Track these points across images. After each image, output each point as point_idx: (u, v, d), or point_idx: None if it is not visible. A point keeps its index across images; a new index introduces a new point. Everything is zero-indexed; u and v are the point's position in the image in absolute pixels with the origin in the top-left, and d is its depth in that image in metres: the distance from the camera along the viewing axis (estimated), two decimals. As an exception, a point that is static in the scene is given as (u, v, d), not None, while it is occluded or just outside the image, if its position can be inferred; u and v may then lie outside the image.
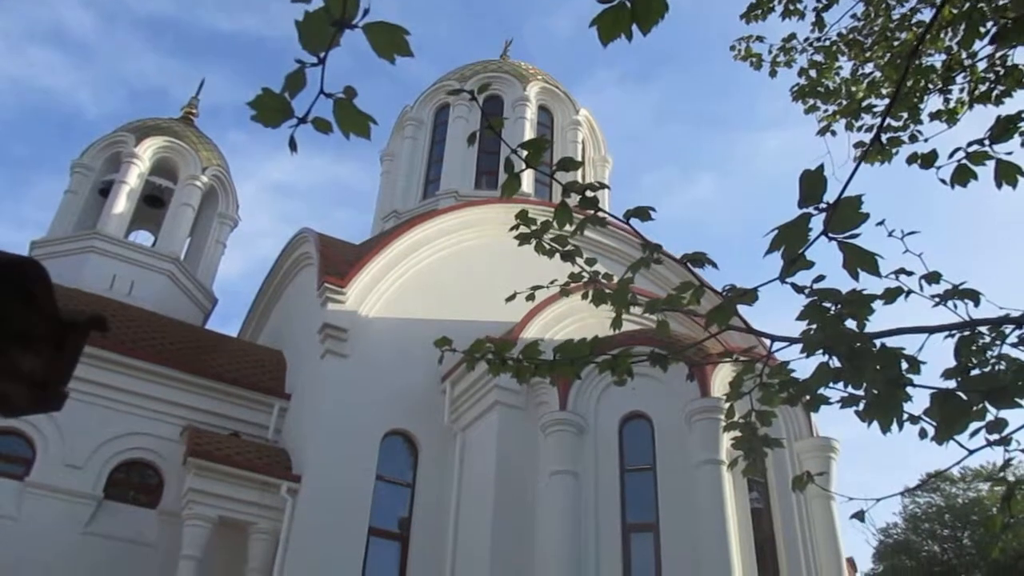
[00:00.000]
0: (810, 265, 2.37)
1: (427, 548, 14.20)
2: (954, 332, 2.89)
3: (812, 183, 2.13)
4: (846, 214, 2.16)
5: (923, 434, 3.04)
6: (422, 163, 24.03)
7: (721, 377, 13.28)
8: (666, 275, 18.45)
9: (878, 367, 2.68)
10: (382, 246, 17.04)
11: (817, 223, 2.23)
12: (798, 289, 2.68)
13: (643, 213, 2.98)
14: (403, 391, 15.49)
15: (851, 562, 17.46)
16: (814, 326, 2.78)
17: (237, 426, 16.08)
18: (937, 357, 2.97)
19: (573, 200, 3.11)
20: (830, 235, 2.23)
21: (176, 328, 17.70)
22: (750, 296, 2.70)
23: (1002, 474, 3.17)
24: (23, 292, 2.00)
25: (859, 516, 3.40)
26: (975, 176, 3.16)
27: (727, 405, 3.79)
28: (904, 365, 2.88)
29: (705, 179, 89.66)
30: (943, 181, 3.15)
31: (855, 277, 2.31)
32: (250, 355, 17.95)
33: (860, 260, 2.26)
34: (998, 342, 3.43)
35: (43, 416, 14.72)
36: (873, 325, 3.00)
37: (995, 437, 2.94)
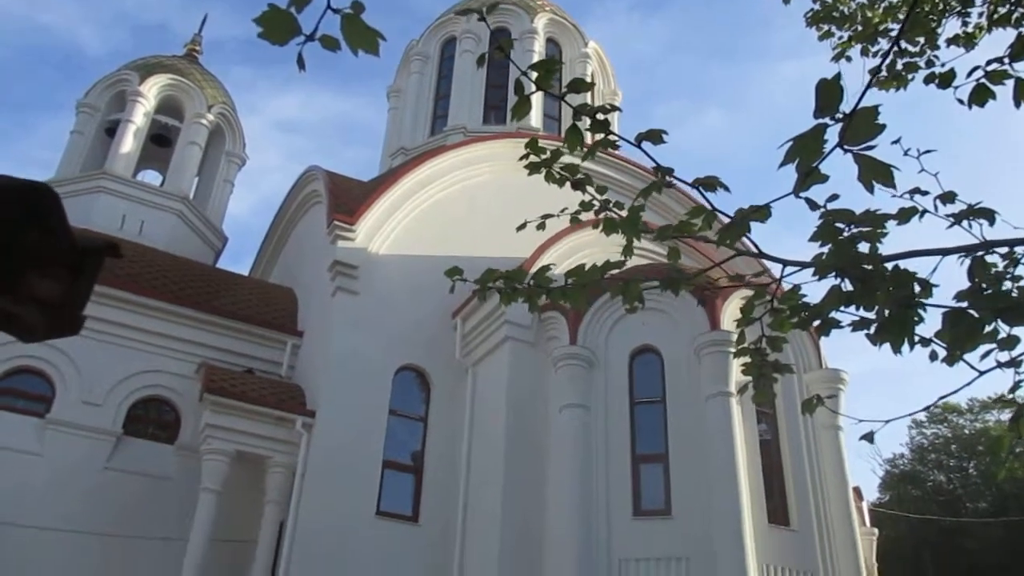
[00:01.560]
0: (824, 179, 2.35)
1: (440, 480, 14.49)
2: (968, 254, 2.87)
3: (828, 92, 2.09)
4: (862, 125, 2.12)
5: (934, 356, 3.05)
6: (429, 99, 23.73)
7: (731, 310, 13.31)
8: (677, 210, 18.33)
9: (891, 288, 2.67)
10: (391, 183, 16.97)
11: (833, 137, 2.20)
12: (812, 204, 2.66)
13: (655, 136, 2.94)
14: (414, 327, 15.61)
15: (857, 491, 17.70)
16: (827, 247, 2.77)
17: (251, 363, 16.30)
18: (950, 282, 2.96)
19: (584, 124, 3.07)
20: (845, 147, 2.20)
21: (188, 267, 17.80)
22: (762, 212, 2.68)
23: (1011, 396, 3.18)
24: (38, 217, 2.01)
25: (868, 437, 3.44)
26: (993, 96, 3.10)
27: (738, 332, 3.80)
28: (916, 289, 2.88)
29: (716, 111, 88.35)
30: (960, 101, 3.09)
31: (870, 190, 2.28)
32: (262, 293, 18.08)
33: (875, 172, 2.23)
34: (1011, 269, 3.40)
35: (60, 355, 14.96)
36: (885, 249, 2.99)
37: (1005, 358, 2.95)
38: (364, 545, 13.40)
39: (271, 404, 14.39)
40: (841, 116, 2.11)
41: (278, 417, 14.28)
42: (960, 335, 2.63)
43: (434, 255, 15.84)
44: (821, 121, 2.15)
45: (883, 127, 2.15)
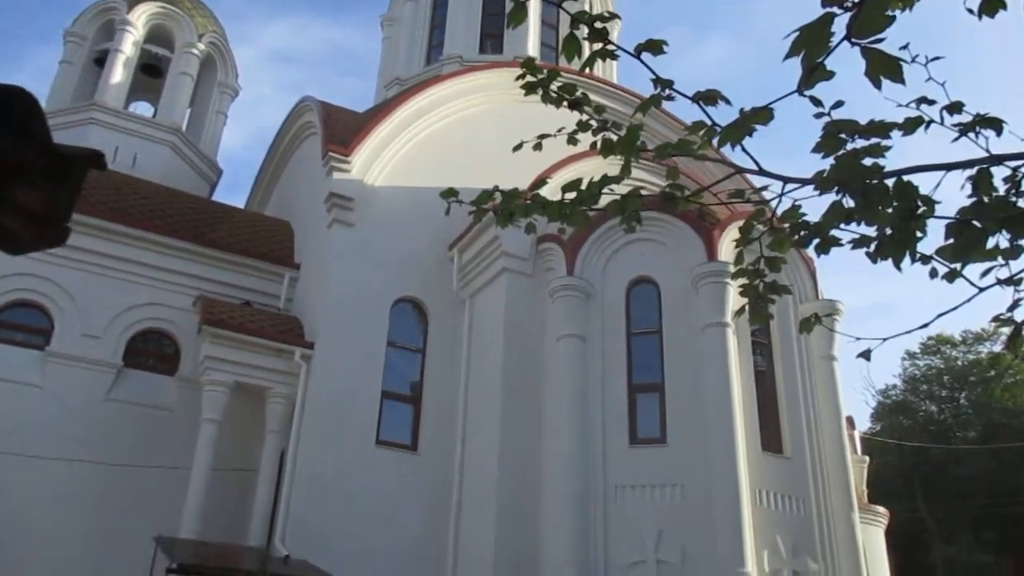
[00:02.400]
0: (831, 75, 2.27)
1: (439, 410, 14.65)
2: (973, 167, 2.81)
3: (837, -24, 2.00)
4: (871, 16, 2.04)
5: (934, 273, 3.02)
6: (424, 27, 23.19)
7: (728, 241, 13.28)
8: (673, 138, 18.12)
9: (894, 203, 2.63)
10: (386, 113, 16.72)
11: (840, 31, 2.11)
12: (816, 103, 2.59)
13: (655, 46, 2.85)
14: (411, 259, 15.58)
15: (850, 420, 18.00)
16: (829, 159, 2.72)
17: (248, 295, 16.31)
18: (952, 203, 2.91)
19: (581, 34, 2.97)
20: (853, 40, 2.11)
21: (183, 200, 17.65)
22: (765, 114, 2.60)
23: (1010, 314, 3.16)
24: (16, 124, 1.94)
25: (866, 355, 3.43)
26: (1003, 6, 2.99)
27: (736, 252, 3.76)
28: (920, 207, 2.83)
29: (719, 39, 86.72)
30: (970, 11, 2.98)
31: (878, 85, 2.21)
32: (258, 226, 17.98)
33: (884, 67, 2.15)
34: (1014, 190, 3.34)
35: (57, 288, 14.95)
36: (889, 166, 2.93)
37: (1005, 275, 2.92)
38: (364, 473, 13.63)
39: (270, 336, 14.45)
40: (850, 5, 2.03)
41: (277, 349, 14.36)
42: (962, 246, 2.59)
43: (431, 187, 15.67)
44: (829, 10, 2.07)
45: (893, 18, 2.06)
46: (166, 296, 15.83)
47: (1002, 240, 2.73)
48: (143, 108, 22.85)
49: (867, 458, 19.95)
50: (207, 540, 12.86)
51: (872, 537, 16.44)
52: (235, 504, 13.99)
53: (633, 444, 12.74)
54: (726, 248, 13.24)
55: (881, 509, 17.95)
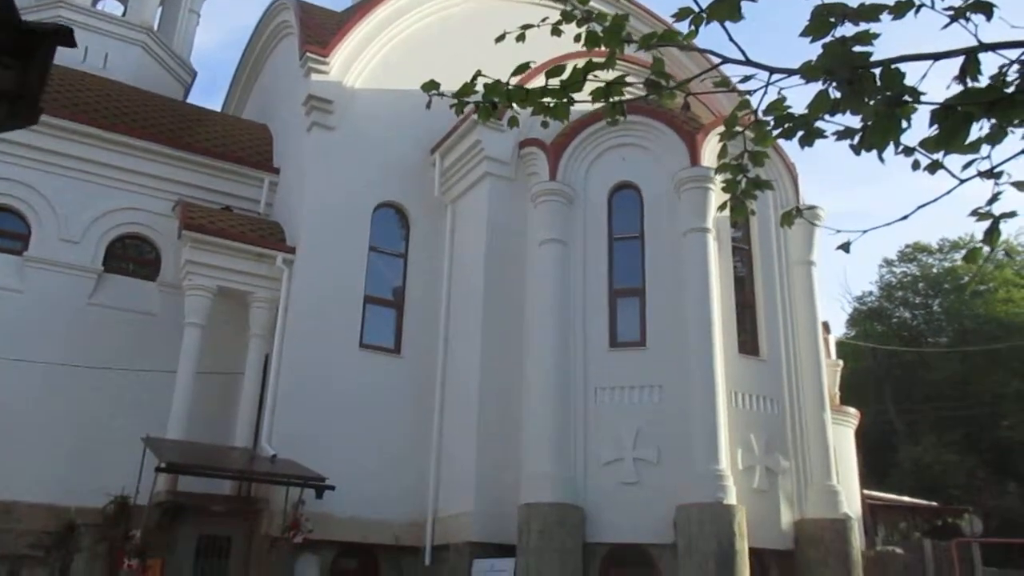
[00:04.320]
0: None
1: (422, 314, 14.77)
2: (962, 56, 2.78)
3: None
4: None
5: (916, 165, 3.03)
6: (403, -80, 22.23)
7: (711, 146, 13.19)
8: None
9: (881, 93, 2.61)
10: (365, 12, 16.21)
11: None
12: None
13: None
14: (393, 163, 15.40)
15: (826, 325, 18.33)
16: (816, 49, 2.68)
17: (228, 200, 16.12)
18: (938, 96, 2.87)
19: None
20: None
21: (158, 102, 17.22)
22: (757, -11, 2.56)
23: (988, 208, 3.19)
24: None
25: (845, 247, 3.47)
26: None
27: (720, 146, 3.74)
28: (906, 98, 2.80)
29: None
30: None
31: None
32: (236, 129, 17.63)
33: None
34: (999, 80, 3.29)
35: (32, 192, 14.71)
36: (877, 56, 2.89)
37: (987, 167, 2.94)
38: (348, 376, 13.81)
39: (251, 240, 14.37)
40: None
41: (258, 253, 14.31)
42: (947, 133, 2.59)
43: (412, 89, 15.33)
44: None
45: None
46: (144, 201, 15.61)
47: (986, 127, 2.73)
48: (112, 7, 22.02)
49: (840, 362, 20.44)
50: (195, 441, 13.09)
51: (842, 437, 16.98)
52: (221, 406, 14.18)
53: (613, 347, 12.95)
54: (709, 153, 13.16)
55: (852, 410, 18.48)
